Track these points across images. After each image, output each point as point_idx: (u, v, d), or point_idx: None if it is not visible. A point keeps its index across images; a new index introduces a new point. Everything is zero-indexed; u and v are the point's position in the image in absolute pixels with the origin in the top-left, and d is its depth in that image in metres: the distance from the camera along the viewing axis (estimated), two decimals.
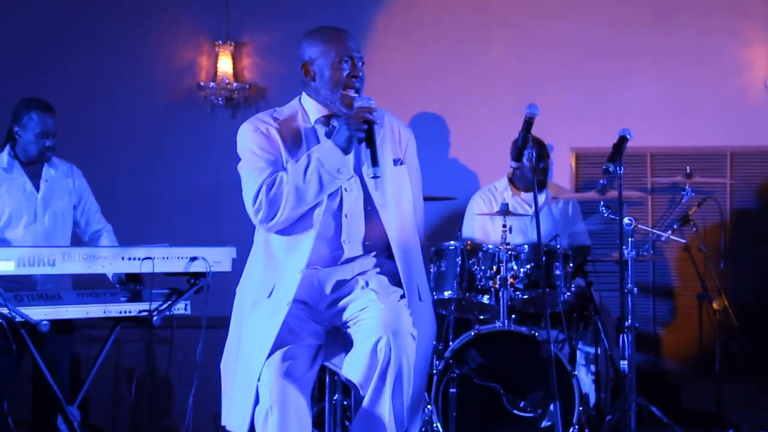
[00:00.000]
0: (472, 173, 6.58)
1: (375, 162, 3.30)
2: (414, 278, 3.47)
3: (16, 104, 4.93)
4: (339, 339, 3.44)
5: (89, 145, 6.41)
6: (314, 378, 3.42)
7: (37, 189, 4.94)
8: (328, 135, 3.45)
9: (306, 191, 3.30)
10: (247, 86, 6.64)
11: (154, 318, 4.44)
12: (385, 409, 3.24)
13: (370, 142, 3.31)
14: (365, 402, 3.26)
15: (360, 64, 3.48)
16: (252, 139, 3.43)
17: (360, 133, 3.30)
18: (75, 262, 4.22)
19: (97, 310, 4.36)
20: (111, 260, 4.31)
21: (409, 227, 3.51)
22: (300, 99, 3.57)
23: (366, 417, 3.27)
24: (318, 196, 3.33)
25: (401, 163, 3.52)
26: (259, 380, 3.27)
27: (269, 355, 3.27)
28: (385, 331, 3.21)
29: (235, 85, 6.59)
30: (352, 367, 3.29)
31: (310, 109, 3.53)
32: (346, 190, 3.42)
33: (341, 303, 3.43)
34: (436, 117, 6.61)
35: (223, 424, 3.46)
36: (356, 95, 3.43)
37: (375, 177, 3.31)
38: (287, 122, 3.48)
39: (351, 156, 3.36)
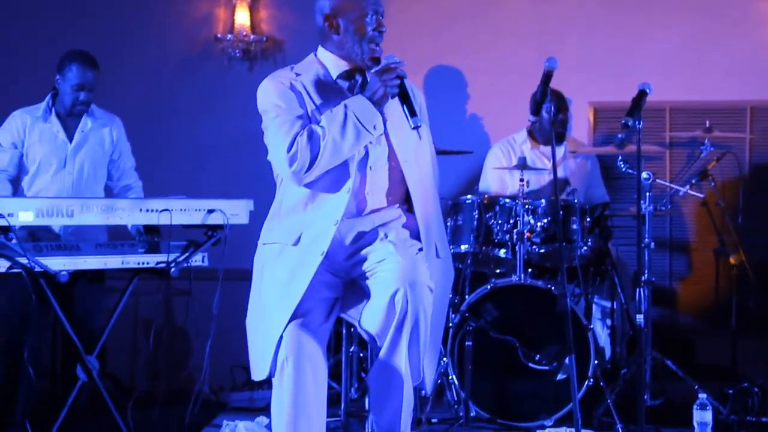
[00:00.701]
0: (489, 126, 6.55)
1: (413, 112, 3.37)
2: (432, 235, 3.49)
3: (63, 54, 4.95)
4: (356, 291, 3.45)
5: (104, 98, 6.23)
6: (330, 330, 3.44)
7: (71, 139, 4.97)
8: (351, 89, 3.47)
9: (343, 144, 3.31)
10: (265, 39, 6.59)
11: (172, 269, 4.46)
12: (402, 360, 3.25)
13: (405, 96, 3.38)
14: (382, 353, 3.28)
15: (381, 17, 3.48)
16: (277, 94, 3.42)
17: (394, 89, 3.35)
18: (93, 213, 4.24)
19: (115, 261, 4.38)
20: (129, 212, 4.32)
21: (428, 184, 3.53)
22: (316, 54, 3.56)
23: (383, 368, 3.29)
24: (353, 149, 3.35)
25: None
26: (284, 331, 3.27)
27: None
28: (402, 283, 3.22)
29: (252, 37, 6.55)
30: (369, 318, 3.31)
31: (329, 63, 3.52)
32: (371, 143, 3.43)
33: (360, 254, 3.43)
34: (453, 69, 6.56)
35: (252, 378, 3.47)
36: (380, 50, 3.46)
37: (416, 127, 3.36)
38: (308, 77, 3.47)
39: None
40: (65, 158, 4.95)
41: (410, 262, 3.32)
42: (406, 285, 3.22)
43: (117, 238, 4.66)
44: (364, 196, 3.45)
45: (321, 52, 3.55)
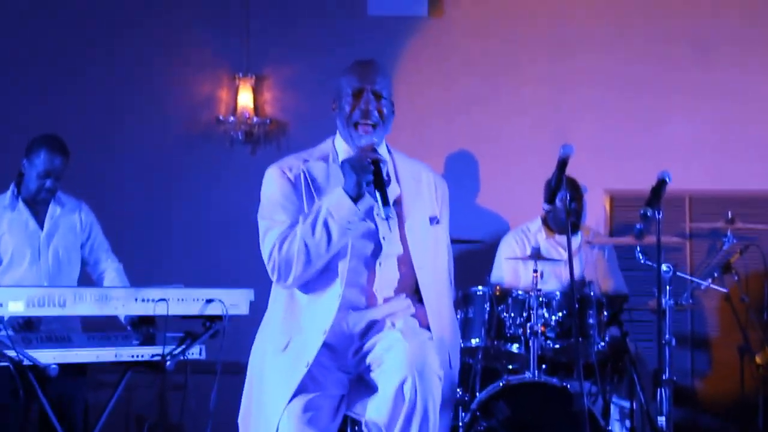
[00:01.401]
0: (501, 214, 6.52)
1: (386, 202, 3.18)
2: (446, 344, 3.38)
3: (32, 139, 4.91)
4: (362, 385, 3.34)
5: (102, 178, 6.41)
6: (336, 430, 3.32)
7: (42, 226, 4.92)
8: None
9: (317, 246, 3.21)
10: (268, 121, 6.59)
11: (168, 363, 4.38)
12: None
13: (379, 183, 3.19)
14: None
15: (371, 96, 3.33)
16: (277, 185, 3.35)
17: (368, 176, 3.19)
18: (86, 303, 4.18)
19: (107, 353, 4.31)
20: (124, 302, 4.26)
21: (443, 289, 3.44)
22: (333, 140, 3.47)
23: None
24: (329, 248, 3.22)
25: (437, 222, 3.44)
26: (278, 428, 3.16)
27: (289, 402, 3.18)
28: (410, 370, 3.13)
29: (255, 119, 6.55)
30: (376, 408, 3.20)
31: (339, 148, 3.44)
32: (384, 238, 3.32)
33: (367, 346, 3.33)
34: (464, 154, 6.54)
35: None
36: (363, 134, 3.32)
37: (387, 218, 3.22)
38: (316, 163, 3.38)
39: (370, 201, 3.25)
40: (38, 247, 4.90)
41: (419, 347, 3.21)
42: (415, 372, 3.12)
43: (92, 327, 4.60)
44: (372, 292, 3.34)
45: (336, 136, 3.46)
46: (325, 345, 3.25)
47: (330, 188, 3.30)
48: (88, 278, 5.08)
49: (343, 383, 3.33)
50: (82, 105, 6.54)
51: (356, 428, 4.34)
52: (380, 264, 3.33)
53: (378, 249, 3.31)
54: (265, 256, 3.27)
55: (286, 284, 3.27)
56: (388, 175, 3.33)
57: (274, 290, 3.42)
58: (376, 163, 3.19)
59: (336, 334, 3.28)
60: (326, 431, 3.23)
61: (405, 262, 3.36)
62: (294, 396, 3.17)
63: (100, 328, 4.43)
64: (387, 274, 3.34)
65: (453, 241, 3.85)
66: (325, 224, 3.18)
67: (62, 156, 4.84)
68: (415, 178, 3.43)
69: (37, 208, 4.90)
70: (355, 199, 3.18)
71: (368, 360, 3.30)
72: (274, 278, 3.28)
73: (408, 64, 6.52)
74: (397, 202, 3.35)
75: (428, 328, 3.34)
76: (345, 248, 3.26)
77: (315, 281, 3.28)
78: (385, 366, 3.21)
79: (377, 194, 3.19)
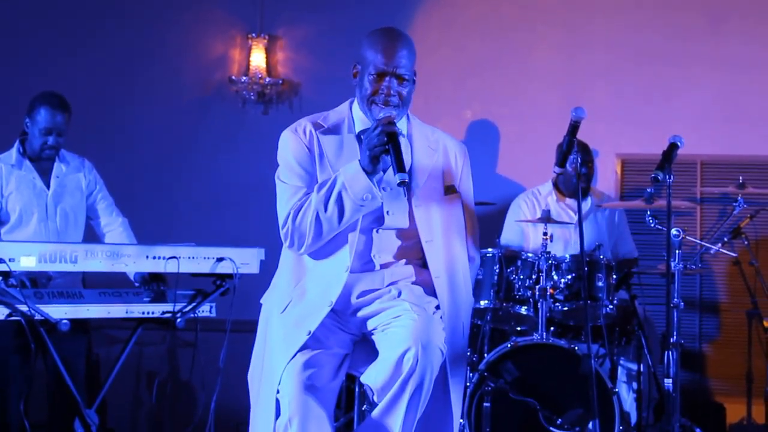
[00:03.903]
0: (513, 177, 6.49)
1: (401, 168, 3.11)
2: (461, 315, 3.37)
3: (33, 97, 4.88)
4: (367, 348, 3.32)
5: (115, 139, 6.40)
6: (338, 388, 3.31)
7: (48, 185, 4.91)
8: None
9: (329, 219, 3.20)
10: (280, 81, 6.57)
11: (178, 320, 4.40)
12: (398, 419, 3.13)
13: (396, 149, 3.13)
14: (379, 408, 3.15)
15: (394, 81, 3.27)
16: (291, 149, 3.32)
17: (379, 148, 3.14)
18: (98, 260, 4.18)
19: (118, 309, 4.32)
20: (135, 258, 4.27)
21: (458, 261, 3.38)
22: (351, 104, 3.42)
23: (374, 424, 3.16)
24: (341, 223, 3.21)
25: (454, 191, 3.40)
26: (279, 387, 3.16)
27: (291, 359, 3.17)
28: (415, 342, 3.09)
29: (267, 79, 6.54)
30: (373, 373, 3.19)
31: (356, 116, 3.39)
32: (388, 213, 3.30)
33: (371, 309, 3.31)
34: (485, 122, 6.51)
35: None
36: (383, 108, 3.26)
37: (401, 184, 3.12)
38: (331, 131, 3.34)
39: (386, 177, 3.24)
40: (45, 207, 4.88)
41: (426, 321, 3.18)
42: (419, 345, 3.09)
43: (95, 283, 4.59)
44: (370, 257, 3.31)
45: (354, 103, 3.42)
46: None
47: (343, 158, 3.27)
48: (92, 233, 5.09)
49: (346, 343, 3.32)
50: (95, 66, 6.53)
51: (362, 387, 4.42)
52: (377, 231, 3.30)
53: (380, 221, 3.30)
54: (280, 221, 3.27)
55: (299, 252, 3.27)
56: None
57: (284, 251, 3.40)
58: (392, 134, 3.14)
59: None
60: (327, 388, 3.21)
61: (409, 233, 3.33)
62: (296, 354, 3.16)
63: (103, 285, 4.44)
64: (384, 242, 3.31)
65: None
66: (339, 198, 3.16)
67: (64, 112, 4.80)
68: (431, 149, 3.38)
69: (43, 166, 4.89)
70: (371, 173, 3.16)
71: (374, 323, 3.29)
72: (286, 245, 3.27)
73: (420, 26, 6.47)
74: (409, 174, 3.29)
75: (434, 292, 3.32)
76: (356, 221, 3.25)
77: (323, 248, 3.27)
78: (391, 333, 3.20)
79: (392, 160, 3.14)
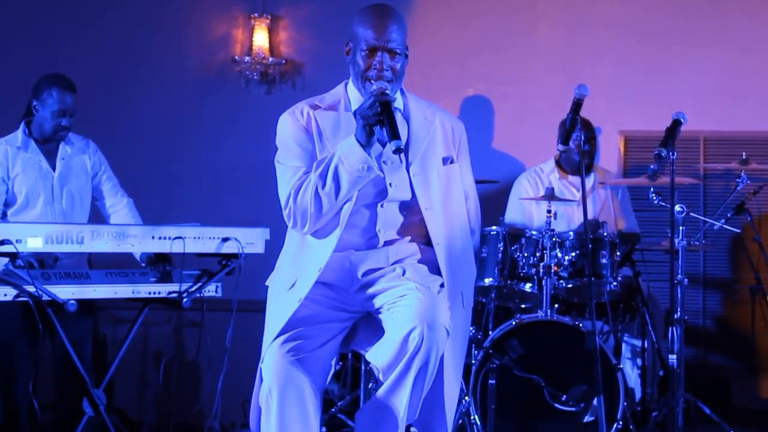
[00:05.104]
0: (516, 155, 6.50)
1: (395, 135, 3.13)
2: (459, 284, 3.38)
3: (39, 78, 4.89)
4: (373, 326, 3.34)
5: (118, 120, 6.40)
6: (328, 359, 3.32)
7: (54, 167, 4.93)
8: None
9: (328, 194, 3.23)
10: (283, 61, 6.58)
11: (184, 300, 4.40)
12: (402, 400, 3.15)
13: (389, 118, 3.15)
14: (384, 387, 3.17)
15: (386, 55, 3.29)
16: (289, 131, 3.35)
17: (372, 118, 3.16)
18: (104, 240, 4.18)
19: (125, 290, 4.31)
20: (141, 239, 4.27)
21: (458, 230, 3.42)
22: (346, 84, 3.45)
23: (379, 405, 3.18)
24: (338, 196, 3.24)
25: (452, 162, 3.42)
26: (263, 357, 3.20)
27: (277, 336, 3.21)
28: (420, 322, 3.11)
29: (270, 59, 6.54)
30: (379, 352, 3.21)
31: (352, 95, 3.41)
32: (390, 185, 3.31)
33: (376, 287, 3.33)
34: (479, 97, 6.52)
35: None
36: (376, 82, 3.28)
37: (397, 151, 3.15)
38: (327, 111, 3.37)
39: (380, 149, 3.27)
40: (52, 188, 4.91)
41: (431, 300, 3.20)
42: (424, 324, 3.10)
43: (100, 263, 4.63)
44: (375, 233, 3.35)
45: (349, 83, 3.44)
46: (324, 284, 3.30)
47: (341, 137, 3.29)
48: (97, 214, 5.13)
49: (341, 320, 3.35)
50: (98, 47, 6.53)
51: (369, 366, 4.44)
52: (381, 206, 3.33)
53: (383, 194, 3.32)
54: (282, 203, 3.30)
55: (303, 231, 3.30)
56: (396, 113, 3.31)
57: (288, 232, 3.44)
58: (385, 103, 3.16)
59: (336, 271, 3.31)
60: (313, 357, 3.23)
61: (412, 207, 3.35)
62: (283, 331, 3.20)
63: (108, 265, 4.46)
64: (389, 216, 3.34)
65: None
66: (336, 172, 3.19)
67: (72, 93, 4.83)
68: (428, 121, 3.40)
69: (48, 148, 4.90)
70: (366, 145, 3.18)
71: (380, 301, 3.31)
72: (290, 225, 3.31)
73: (421, 6, 6.46)
74: (406, 146, 3.32)
75: (438, 270, 3.34)
76: (353, 195, 3.28)
77: (324, 227, 3.31)
78: (396, 312, 3.22)
79: (386, 129, 3.16)
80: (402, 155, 3.27)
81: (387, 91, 3.20)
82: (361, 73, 3.31)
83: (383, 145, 3.26)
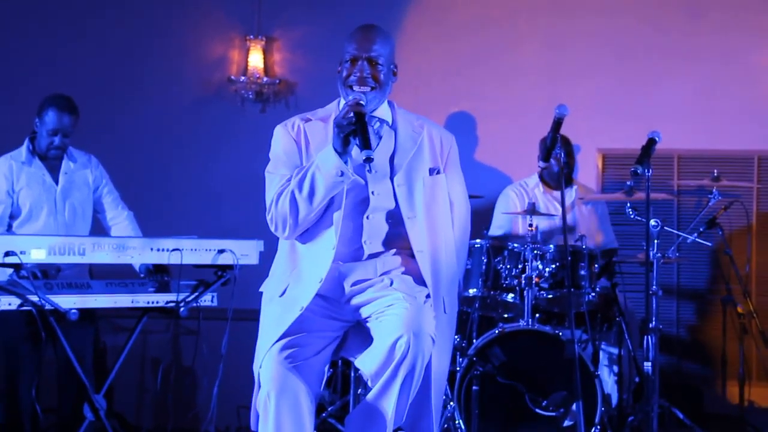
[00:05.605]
0: (499, 170, 6.55)
1: (366, 145, 3.17)
2: (441, 290, 3.43)
3: (43, 98, 4.97)
4: (362, 334, 3.41)
5: (118, 137, 6.41)
6: (322, 366, 3.38)
7: (57, 181, 5.00)
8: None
9: (305, 199, 3.28)
10: (278, 81, 6.65)
11: (181, 309, 4.45)
12: (390, 405, 3.20)
13: (362, 127, 3.19)
14: (373, 392, 3.22)
15: (365, 64, 3.38)
16: (280, 142, 3.45)
17: (346, 128, 3.21)
18: (105, 252, 4.23)
19: (125, 299, 4.37)
20: (140, 251, 4.32)
21: (441, 238, 3.45)
22: (338, 101, 3.53)
23: (367, 411, 3.23)
24: (314, 201, 3.29)
25: (438, 173, 3.47)
26: (261, 362, 3.24)
27: (274, 343, 3.26)
28: (407, 330, 3.17)
29: (265, 79, 6.61)
30: (367, 359, 3.27)
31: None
32: (373, 193, 3.39)
33: (365, 297, 3.39)
34: (464, 114, 6.57)
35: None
36: (353, 92, 3.34)
37: (366, 160, 3.17)
38: (317, 124, 3.45)
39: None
40: (54, 202, 4.98)
41: (417, 310, 3.26)
42: (411, 333, 3.16)
43: (100, 274, 4.64)
44: (360, 244, 3.40)
45: (341, 98, 3.51)
46: (318, 294, 3.32)
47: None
48: (99, 226, 5.16)
49: (333, 329, 3.39)
50: (98, 67, 6.56)
51: (358, 372, 4.47)
52: (368, 217, 3.38)
53: (366, 202, 3.37)
54: (267, 209, 3.37)
55: (284, 236, 3.36)
56: (372, 122, 3.38)
57: (280, 240, 3.48)
58: (359, 114, 3.20)
59: (327, 283, 3.34)
60: (308, 364, 3.27)
61: (397, 216, 3.39)
62: (280, 338, 3.24)
63: (108, 276, 4.48)
64: (374, 228, 3.39)
65: None
66: (312, 178, 3.24)
67: (71, 115, 4.90)
68: (415, 133, 3.44)
69: (52, 163, 4.98)
70: (343, 153, 3.22)
71: (368, 311, 3.35)
72: (272, 229, 3.36)
73: (411, 26, 6.53)
74: (391, 158, 3.39)
75: (423, 281, 3.37)
76: (339, 200, 3.32)
77: (311, 232, 3.36)
78: (384, 321, 3.26)
79: (358, 138, 3.18)
80: (388, 165, 3.33)
81: (362, 102, 3.24)
82: (344, 80, 3.40)
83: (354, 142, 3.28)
